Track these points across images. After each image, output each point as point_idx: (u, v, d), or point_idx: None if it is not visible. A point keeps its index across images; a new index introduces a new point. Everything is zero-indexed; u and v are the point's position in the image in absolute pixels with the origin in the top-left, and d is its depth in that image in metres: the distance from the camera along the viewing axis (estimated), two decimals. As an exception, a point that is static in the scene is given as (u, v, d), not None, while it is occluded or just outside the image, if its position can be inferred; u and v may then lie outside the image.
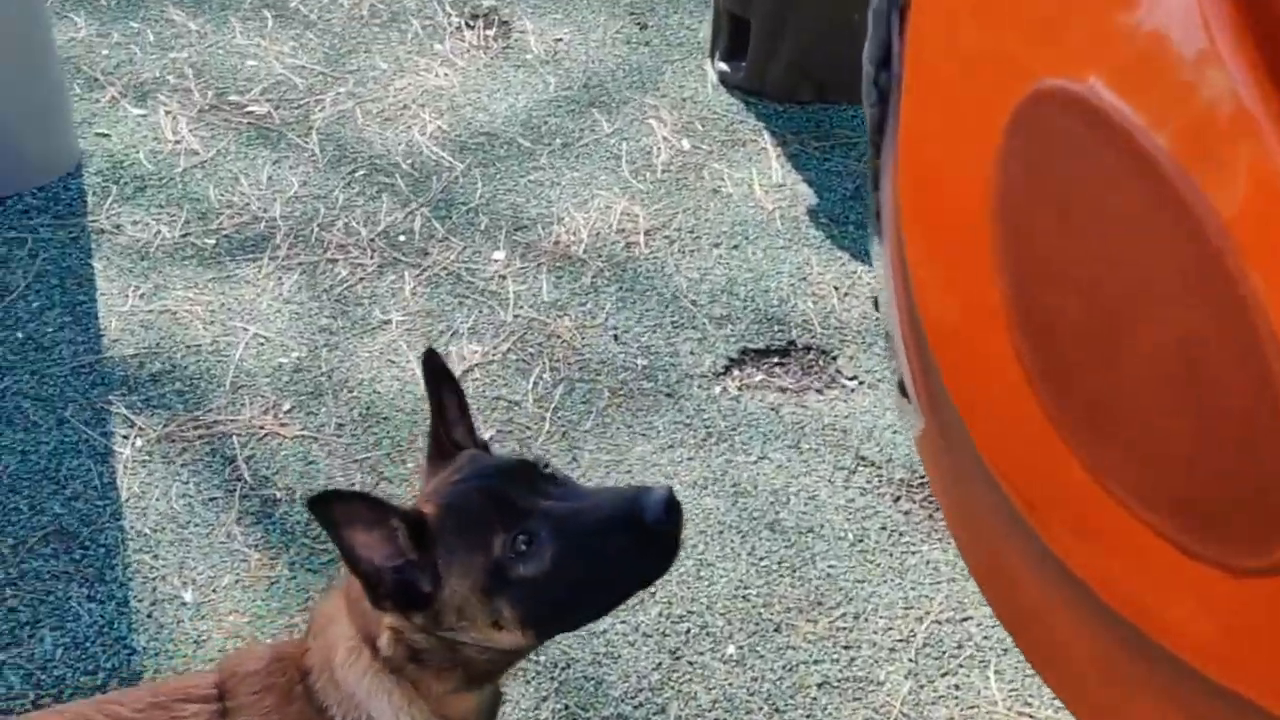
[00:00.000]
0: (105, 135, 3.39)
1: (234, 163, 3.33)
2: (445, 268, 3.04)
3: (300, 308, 2.92)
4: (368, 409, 2.69)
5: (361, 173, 3.32)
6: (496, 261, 3.05)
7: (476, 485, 1.39)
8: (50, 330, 2.83)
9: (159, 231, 3.11)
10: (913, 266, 1.38)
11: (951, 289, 1.31)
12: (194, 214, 3.16)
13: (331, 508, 1.29)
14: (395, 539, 1.34)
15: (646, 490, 1.34)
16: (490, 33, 3.89)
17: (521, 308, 2.93)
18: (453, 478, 1.42)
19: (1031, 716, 2.15)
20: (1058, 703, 2.17)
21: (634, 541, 1.35)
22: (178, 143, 3.38)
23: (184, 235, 3.10)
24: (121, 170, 3.27)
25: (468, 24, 3.92)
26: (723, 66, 3.62)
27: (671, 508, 1.33)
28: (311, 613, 1.53)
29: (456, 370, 2.77)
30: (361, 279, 3.00)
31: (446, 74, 3.68)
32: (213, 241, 3.09)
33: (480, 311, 2.92)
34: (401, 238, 3.12)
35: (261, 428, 2.64)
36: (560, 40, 3.84)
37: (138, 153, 3.33)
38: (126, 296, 2.92)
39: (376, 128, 3.47)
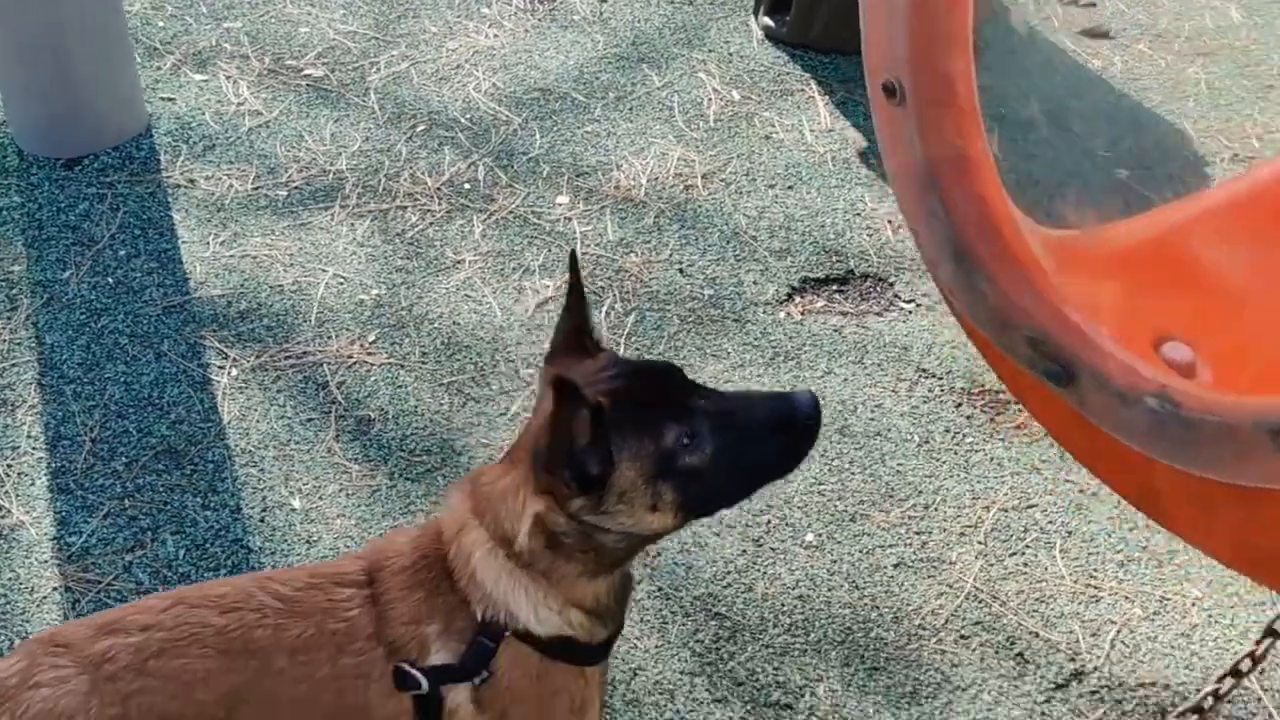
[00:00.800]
0: (171, 100, 3.71)
1: (297, 121, 3.64)
2: (511, 211, 3.35)
3: (375, 250, 3.23)
4: (449, 339, 3.00)
5: (422, 128, 3.64)
6: (561, 205, 3.37)
7: (643, 381, 1.62)
8: (139, 275, 3.14)
9: (231, 185, 3.42)
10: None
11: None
12: (263, 169, 3.48)
13: (570, 388, 1.50)
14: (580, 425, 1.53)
15: (794, 394, 1.63)
16: (535, -2, 4.22)
17: (588, 246, 3.24)
18: (608, 372, 1.61)
19: (1097, 588, 2.45)
20: (1120, 575, 2.46)
21: (783, 437, 1.63)
22: (240, 104, 3.70)
23: (256, 188, 3.42)
24: (190, 130, 3.59)
25: (514, -11, 4.25)
26: (767, 21, 3.94)
27: (817, 406, 1.62)
28: (440, 519, 1.75)
29: (530, 304, 3.08)
30: (431, 224, 3.31)
31: (496, 34, 4.00)
32: (284, 193, 3.41)
33: (549, 250, 3.23)
34: (467, 185, 3.43)
35: (350, 357, 2.94)
36: (605, 2, 4.16)
37: (203, 114, 3.65)
38: (207, 244, 3.24)
39: (433, 86, 3.79)
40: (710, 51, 3.93)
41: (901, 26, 1.46)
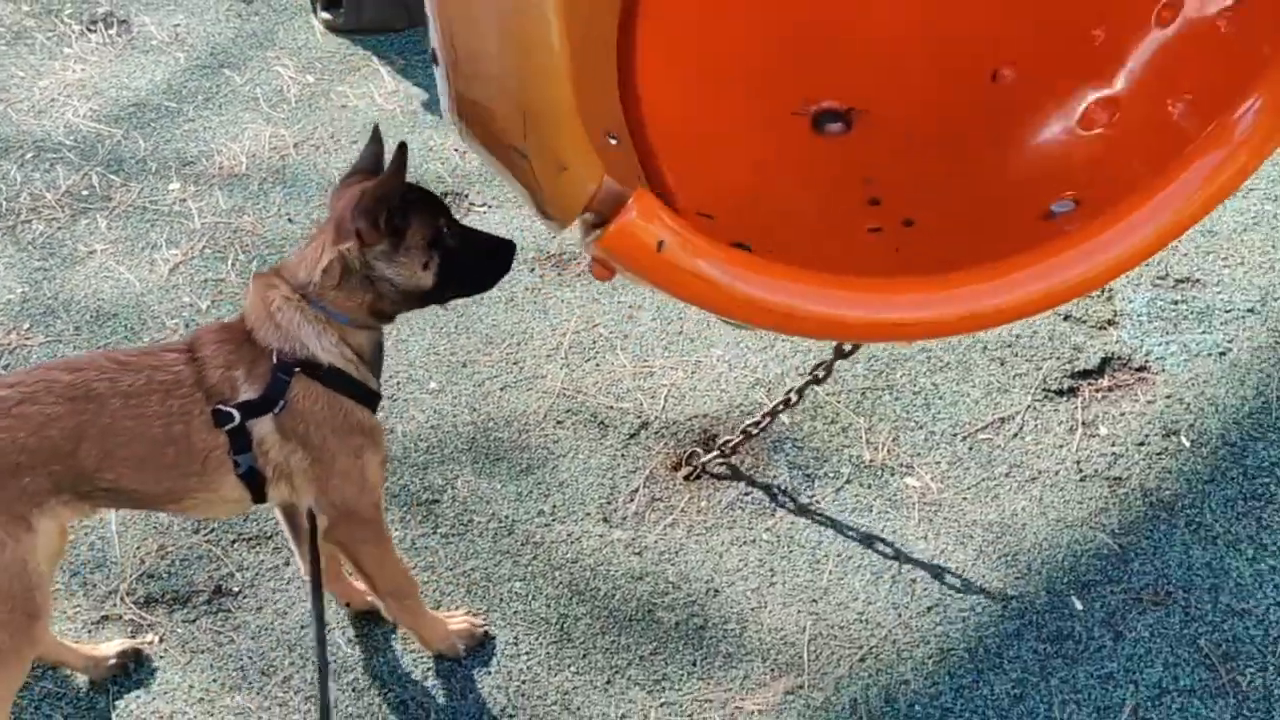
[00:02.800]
0: None
1: (-93, 171, 3.94)
2: (131, 204, 3.81)
3: (11, 259, 3.62)
4: (97, 313, 3.44)
5: (31, 154, 4.03)
6: (173, 190, 3.87)
7: (425, 191, 2.25)
8: None
9: None
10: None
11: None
12: (-116, 216, 3.77)
13: (405, 153, 2.12)
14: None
15: (505, 240, 2.35)
16: (112, 32, 4.65)
17: (205, 217, 3.76)
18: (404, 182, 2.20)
19: (650, 367, 3.23)
20: (665, 354, 3.25)
21: (495, 261, 2.34)
22: None
23: (-119, 233, 3.71)
24: None
25: (89, 28, 4.67)
26: (325, 15, 4.57)
27: (515, 251, 2.36)
28: (248, 298, 2.26)
29: (164, 271, 3.57)
30: (59, 228, 3.73)
31: (83, 68, 4.43)
32: (-89, 231, 3.72)
33: (171, 227, 3.73)
34: (85, 192, 3.87)
35: (10, 343, 3.34)
36: (178, 26, 4.65)
37: None
38: None
39: (33, 119, 4.18)
40: (282, 49, 4.52)
41: (433, 18, 2.09)
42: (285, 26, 4.64)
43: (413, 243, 2.19)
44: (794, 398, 2.89)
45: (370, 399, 2.31)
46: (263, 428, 2.20)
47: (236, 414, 2.17)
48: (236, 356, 2.21)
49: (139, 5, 4.78)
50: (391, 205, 2.14)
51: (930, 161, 2.59)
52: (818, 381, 2.81)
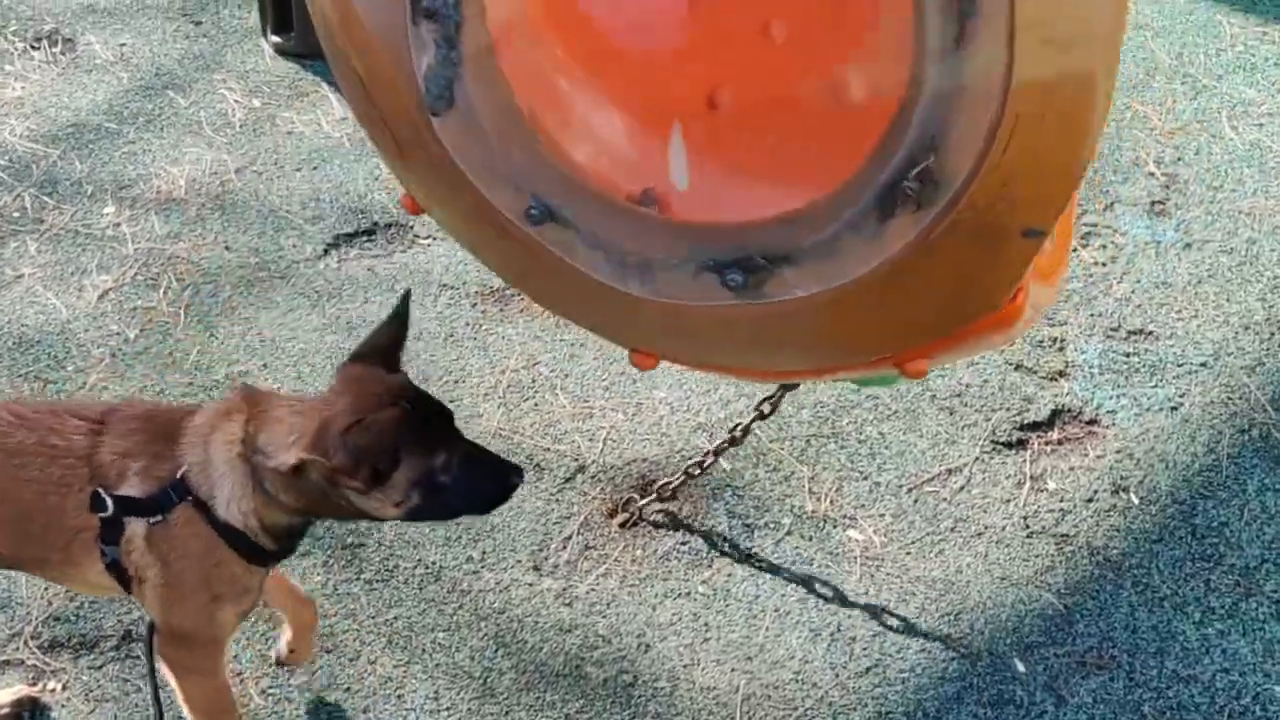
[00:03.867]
0: None
1: None
2: (63, 228, 3.68)
3: (-66, 281, 3.48)
4: (20, 339, 3.31)
5: (-38, 173, 3.90)
6: (108, 214, 3.74)
7: (428, 409, 2.00)
8: None
9: None
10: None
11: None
12: None
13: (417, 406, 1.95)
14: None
15: (515, 466, 2.08)
16: (57, 50, 4.53)
17: (139, 242, 3.63)
18: (406, 392, 1.99)
19: (590, 408, 3.13)
20: (606, 395, 3.15)
21: (497, 487, 2.07)
22: None
23: None
24: None
25: (33, 46, 4.54)
26: (275, 38, 4.46)
27: (521, 478, 2.08)
28: (205, 403, 2.08)
29: (92, 298, 3.45)
30: (-14, 250, 3.60)
31: (23, 86, 4.30)
32: None
33: (103, 252, 3.60)
34: (16, 214, 3.74)
35: (-75, 370, 3.20)
36: (124, 45, 4.54)
37: None
38: None
39: (-33, 137, 4.05)
40: (229, 71, 4.41)
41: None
42: (234, 49, 4.53)
43: (395, 483, 1.93)
44: (739, 434, 2.79)
45: (261, 557, 2.07)
46: (135, 528, 2.00)
47: (110, 504, 1.97)
48: (143, 448, 2.01)
49: (86, 24, 4.66)
50: (382, 454, 1.90)
51: None
52: (763, 417, 2.71)
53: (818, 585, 2.71)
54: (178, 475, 1.98)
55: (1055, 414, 3.10)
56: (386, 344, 2.07)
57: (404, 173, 1.90)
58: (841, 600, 2.67)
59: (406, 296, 2.10)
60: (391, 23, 1.64)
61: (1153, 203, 3.79)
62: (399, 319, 2.08)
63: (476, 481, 2.03)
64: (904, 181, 1.48)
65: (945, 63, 1.42)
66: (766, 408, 2.69)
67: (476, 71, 1.65)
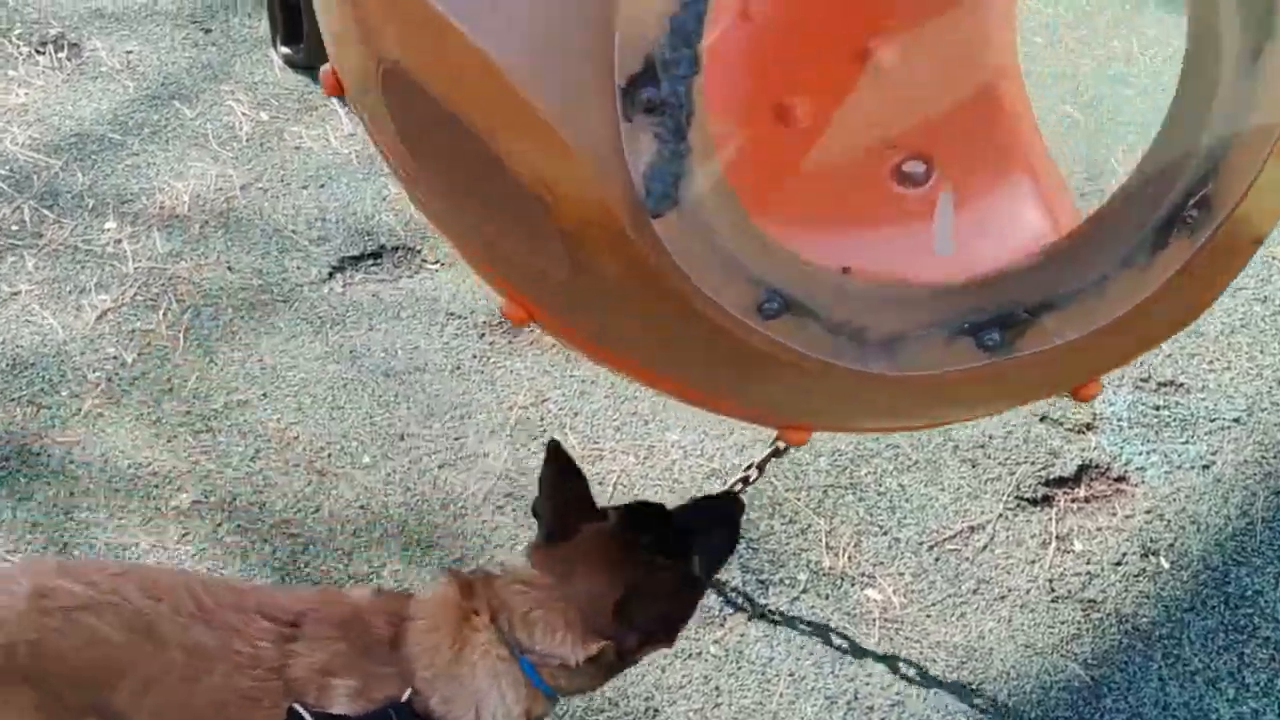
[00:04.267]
0: None
1: None
2: (62, 243, 3.57)
3: (-73, 296, 3.38)
4: (14, 360, 3.20)
5: (-39, 183, 3.79)
6: (109, 230, 3.63)
7: (653, 515, 1.98)
8: None
9: None
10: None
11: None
12: None
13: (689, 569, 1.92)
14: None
15: (732, 499, 2.10)
16: (62, 55, 4.42)
17: (140, 261, 3.52)
18: (644, 535, 1.93)
19: (600, 449, 3.01)
20: (617, 437, 3.04)
21: (732, 530, 2.09)
22: None
23: None
24: None
25: (38, 50, 4.43)
26: (285, 50, 4.35)
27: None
28: (417, 596, 1.93)
29: (90, 318, 3.34)
30: (-18, 265, 3.49)
31: (27, 92, 4.19)
32: None
33: (103, 270, 3.49)
34: (14, 227, 3.63)
35: (-86, 391, 3.09)
36: (131, 52, 4.43)
37: None
38: None
39: (-33, 145, 3.94)
40: (237, 83, 4.30)
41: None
42: (243, 59, 4.42)
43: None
44: (754, 474, 2.66)
45: None
46: None
47: None
48: (348, 663, 1.82)
49: (93, 28, 4.55)
50: (668, 618, 1.93)
51: None
52: (779, 454, 2.58)
53: (835, 649, 2.60)
54: (405, 697, 1.81)
55: (1082, 469, 2.99)
56: (577, 495, 1.98)
57: (570, 294, 1.69)
58: (859, 667, 2.56)
59: (557, 446, 1.99)
60: (590, 128, 1.42)
61: (1183, 244, 3.67)
62: (571, 468, 1.98)
63: (717, 539, 2.05)
64: (1184, 211, 1.44)
65: (1239, 84, 1.42)
66: (781, 444, 2.55)
67: (704, 163, 1.46)
